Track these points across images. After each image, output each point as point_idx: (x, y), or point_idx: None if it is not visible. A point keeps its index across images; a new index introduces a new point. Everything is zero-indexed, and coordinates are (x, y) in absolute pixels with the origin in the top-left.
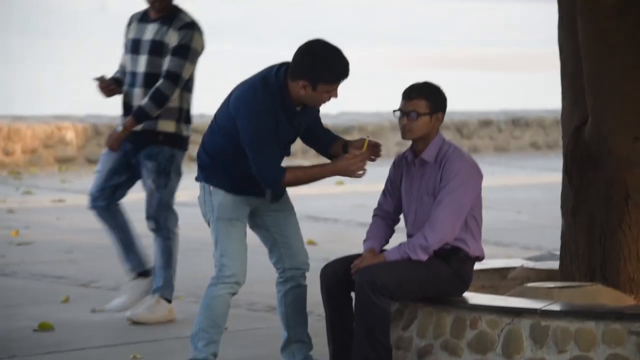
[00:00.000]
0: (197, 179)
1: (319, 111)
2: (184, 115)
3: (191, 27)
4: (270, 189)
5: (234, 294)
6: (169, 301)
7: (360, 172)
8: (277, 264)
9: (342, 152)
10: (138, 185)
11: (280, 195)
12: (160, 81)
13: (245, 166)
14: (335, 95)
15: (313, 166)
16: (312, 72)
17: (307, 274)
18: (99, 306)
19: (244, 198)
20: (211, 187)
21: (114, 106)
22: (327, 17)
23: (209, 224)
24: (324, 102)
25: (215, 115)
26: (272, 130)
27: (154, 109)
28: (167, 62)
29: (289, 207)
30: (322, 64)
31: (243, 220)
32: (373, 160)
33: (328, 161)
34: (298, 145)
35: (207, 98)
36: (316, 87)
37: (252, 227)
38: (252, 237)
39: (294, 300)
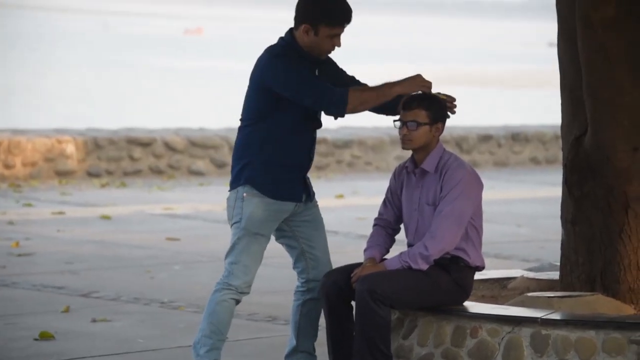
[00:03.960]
0: (232, 183)
1: (338, 67)
2: None
3: None
4: (340, 115)
5: (238, 301)
6: None
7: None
8: (301, 274)
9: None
10: None
11: (312, 196)
12: None
13: (288, 150)
14: (339, 44)
15: (379, 85)
16: (312, 14)
17: None
18: (99, 316)
19: (278, 207)
20: (244, 194)
21: (113, 120)
22: None
23: (231, 226)
24: (329, 49)
25: (244, 108)
26: (309, 70)
27: None
28: None
29: (319, 219)
30: (321, 6)
31: (268, 236)
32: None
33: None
34: None
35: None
36: (318, 30)
37: (279, 238)
38: None
39: (310, 312)
